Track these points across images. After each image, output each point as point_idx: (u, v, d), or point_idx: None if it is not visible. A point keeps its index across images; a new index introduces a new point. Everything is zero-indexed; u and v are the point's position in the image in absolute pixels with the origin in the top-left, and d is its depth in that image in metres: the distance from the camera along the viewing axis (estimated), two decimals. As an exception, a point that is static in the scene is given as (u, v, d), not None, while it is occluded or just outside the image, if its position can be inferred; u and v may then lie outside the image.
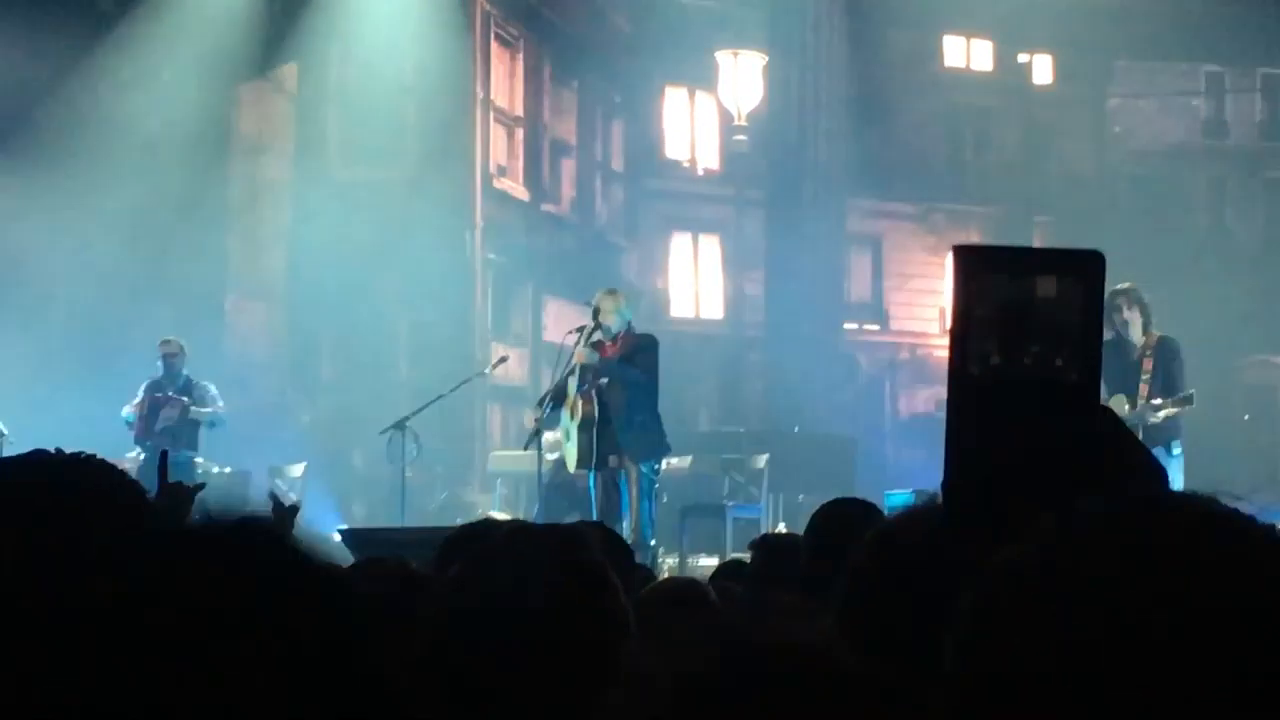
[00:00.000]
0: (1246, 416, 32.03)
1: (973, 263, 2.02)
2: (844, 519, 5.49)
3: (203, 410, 16.61)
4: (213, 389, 16.76)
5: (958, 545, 2.07)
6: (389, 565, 4.13)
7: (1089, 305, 2.01)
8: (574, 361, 13.26)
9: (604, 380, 13.21)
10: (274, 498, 5.42)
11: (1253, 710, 1.14)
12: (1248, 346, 32.64)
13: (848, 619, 2.62)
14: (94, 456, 2.64)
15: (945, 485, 2.05)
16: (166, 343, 16.73)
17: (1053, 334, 2.00)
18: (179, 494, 4.99)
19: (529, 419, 14.60)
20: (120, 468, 2.71)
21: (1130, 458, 2.08)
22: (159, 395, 16.52)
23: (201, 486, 5.54)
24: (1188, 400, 12.94)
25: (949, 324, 2.02)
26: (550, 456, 14.59)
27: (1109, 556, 1.21)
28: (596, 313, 13.50)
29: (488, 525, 5.22)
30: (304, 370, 23.44)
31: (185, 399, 16.46)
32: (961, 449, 2.02)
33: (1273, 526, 1.26)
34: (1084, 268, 2.02)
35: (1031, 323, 2.00)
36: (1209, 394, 26.40)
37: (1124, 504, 1.28)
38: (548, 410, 13.88)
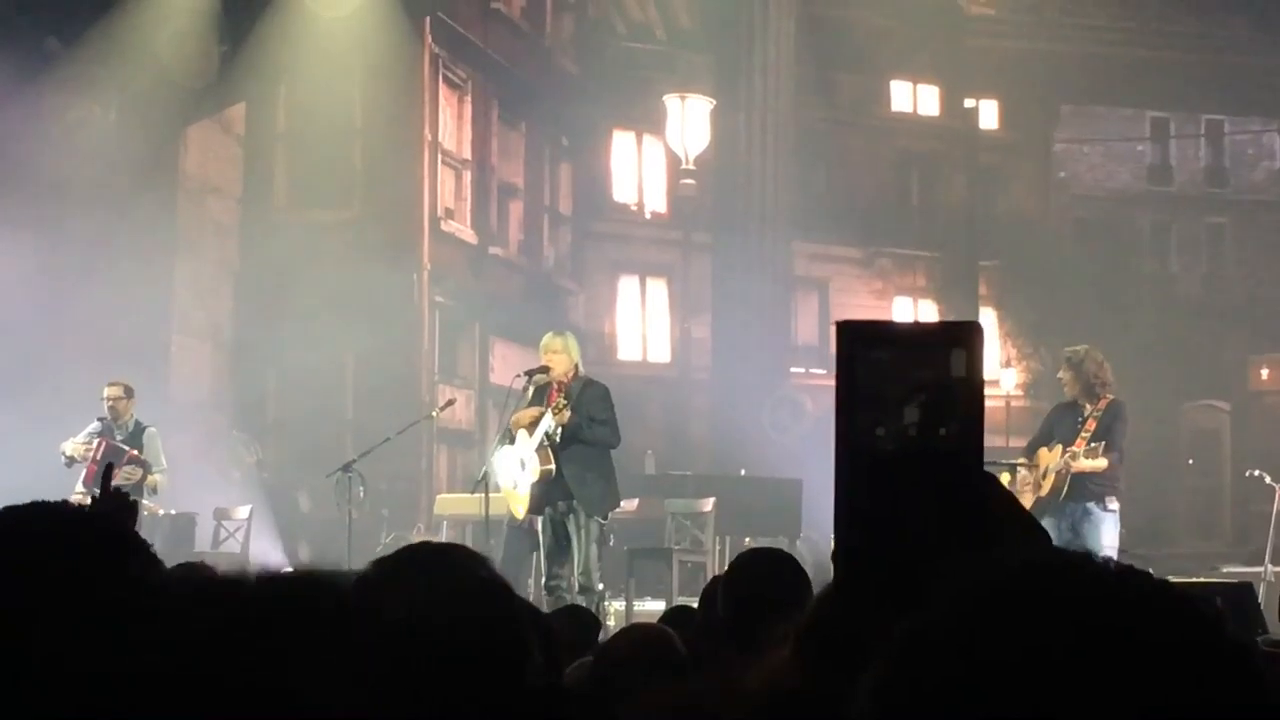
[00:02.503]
0: (1190, 460, 32.21)
1: (855, 337, 2.06)
2: (762, 568, 5.53)
3: (153, 478, 16.25)
4: (158, 440, 16.49)
5: (849, 611, 2.10)
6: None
7: (969, 376, 2.04)
8: (554, 424, 13.12)
9: (560, 436, 13.13)
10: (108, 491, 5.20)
11: None
12: (1191, 391, 32.84)
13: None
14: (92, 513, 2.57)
15: (835, 554, 2.09)
16: (112, 386, 16.49)
17: (935, 405, 2.03)
18: (120, 500, 4.96)
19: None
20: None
21: (1013, 524, 2.12)
22: (114, 444, 16.19)
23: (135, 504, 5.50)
24: (1093, 453, 13.05)
25: (835, 398, 2.06)
26: (496, 497, 14.48)
27: (1003, 624, 1.23)
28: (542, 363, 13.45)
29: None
30: (249, 412, 23.34)
31: (142, 459, 16.17)
32: (850, 519, 2.05)
33: (1160, 582, 1.30)
34: (964, 339, 2.05)
35: (914, 394, 2.03)
36: (1152, 438, 26.56)
37: (1010, 570, 1.30)
38: (495, 453, 13.85)
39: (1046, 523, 12.92)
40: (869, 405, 2.01)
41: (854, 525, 2.04)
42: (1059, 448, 13.25)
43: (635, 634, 4.93)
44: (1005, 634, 1.22)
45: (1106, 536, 13.05)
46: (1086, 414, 13.40)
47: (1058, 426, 13.59)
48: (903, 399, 2.00)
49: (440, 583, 2.70)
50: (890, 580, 1.88)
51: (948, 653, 1.23)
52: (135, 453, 16.07)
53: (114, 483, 5.17)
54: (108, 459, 16.04)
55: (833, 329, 2.03)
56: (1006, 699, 1.19)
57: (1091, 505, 13.14)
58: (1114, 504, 13.25)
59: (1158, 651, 1.21)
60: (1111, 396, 13.57)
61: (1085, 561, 1.30)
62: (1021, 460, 13.51)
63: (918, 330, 2.13)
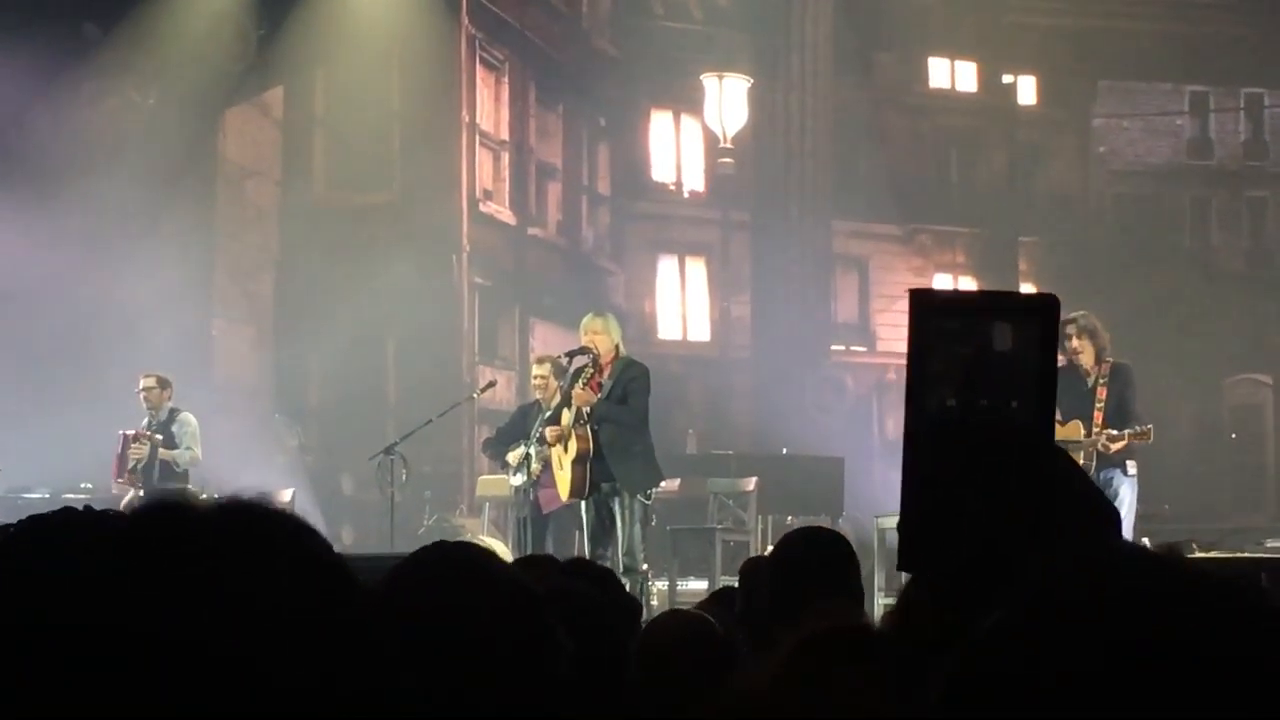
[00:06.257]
0: (1233, 435, 32.06)
1: (929, 307, 2.03)
2: (808, 548, 5.48)
3: (170, 452, 16.16)
4: (191, 423, 16.38)
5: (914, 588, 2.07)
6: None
7: (1043, 350, 2.01)
8: (574, 403, 13.17)
9: (599, 421, 13.13)
10: None
11: None
12: (1233, 366, 32.69)
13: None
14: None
15: (901, 524, 2.06)
16: (146, 377, 16.40)
17: (1007, 378, 2.00)
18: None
19: (514, 456, 14.49)
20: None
21: (1083, 500, 2.09)
22: (128, 433, 16.20)
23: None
24: (1144, 435, 13.09)
25: (906, 368, 2.03)
26: (515, 481, 14.48)
27: (1074, 626, 1.21)
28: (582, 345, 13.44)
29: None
30: (292, 395, 23.40)
31: (157, 437, 16.13)
32: (919, 489, 2.03)
33: (1225, 581, 1.27)
34: (1038, 313, 2.02)
35: (986, 367, 2.00)
36: (1194, 413, 26.46)
37: (1090, 570, 1.27)
38: (538, 435, 13.86)
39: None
40: (939, 377, 1.98)
41: (922, 496, 2.02)
42: (1076, 422, 13.20)
43: (673, 622, 4.91)
44: (1075, 637, 1.19)
45: (1127, 500, 13.18)
46: (1092, 381, 13.40)
47: (1064, 396, 13.52)
48: (974, 371, 1.97)
49: (459, 586, 2.65)
50: (953, 553, 1.86)
51: (1018, 654, 1.21)
52: (148, 433, 16.06)
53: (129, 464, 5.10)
54: (127, 445, 16.14)
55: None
56: (1074, 703, 1.17)
57: (1115, 472, 13.23)
58: (1133, 469, 13.38)
59: (1232, 658, 1.18)
60: (1112, 360, 13.55)
61: (1157, 558, 1.27)
62: None
63: (992, 302, 2.10)
